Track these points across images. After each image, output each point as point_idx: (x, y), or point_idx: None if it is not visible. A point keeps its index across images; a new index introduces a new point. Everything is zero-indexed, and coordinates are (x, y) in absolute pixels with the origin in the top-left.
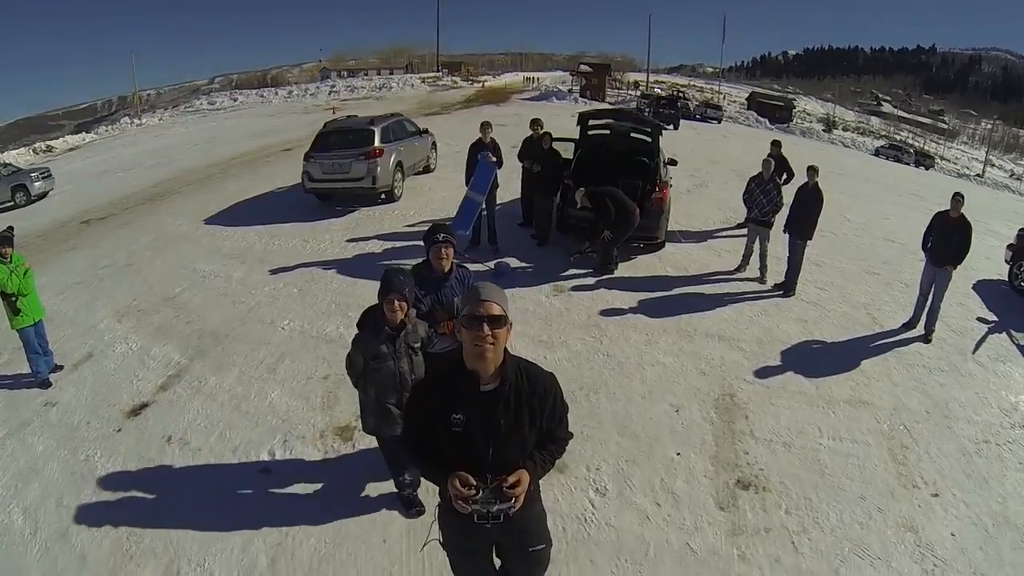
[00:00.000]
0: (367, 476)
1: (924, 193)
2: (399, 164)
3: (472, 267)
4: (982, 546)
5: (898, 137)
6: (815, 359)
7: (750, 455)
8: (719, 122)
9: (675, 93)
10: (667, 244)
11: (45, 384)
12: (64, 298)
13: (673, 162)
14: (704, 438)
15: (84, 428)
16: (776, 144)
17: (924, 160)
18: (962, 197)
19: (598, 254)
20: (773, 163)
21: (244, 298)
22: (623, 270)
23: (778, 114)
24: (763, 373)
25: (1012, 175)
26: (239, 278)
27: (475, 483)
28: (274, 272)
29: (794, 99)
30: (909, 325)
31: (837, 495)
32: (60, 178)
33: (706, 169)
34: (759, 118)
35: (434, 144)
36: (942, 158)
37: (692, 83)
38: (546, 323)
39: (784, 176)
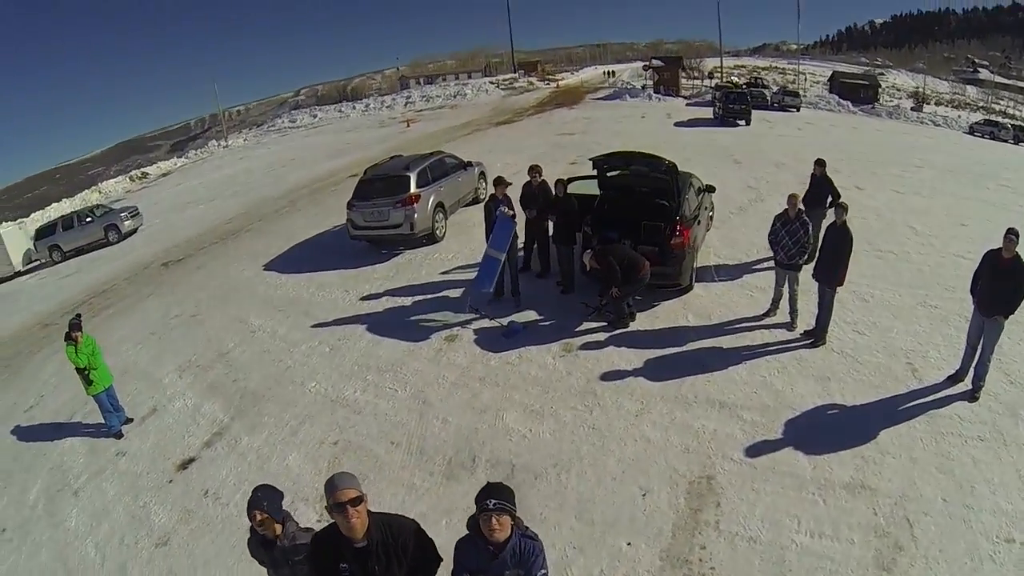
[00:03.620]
0: None
1: (1019, 185)
2: (439, 205)
3: (488, 324)
4: None
5: (997, 107)
6: (824, 430)
7: (706, 550)
8: (797, 110)
9: (753, 80)
10: (695, 286)
11: (118, 435)
12: (140, 349)
13: (711, 188)
14: (662, 527)
15: (144, 478)
16: (820, 164)
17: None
18: (1016, 235)
19: (611, 311)
20: (800, 199)
21: (283, 356)
22: (641, 320)
23: (863, 94)
24: (756, 450)
25: None
26: (282, 334)
27: None
28: (313, 327)
29: (882, 73)
30: (955, 378)
31: None
32: (149, 210)
33: (768, 177)
34: (841, 101)
35: (482, 174)
36: None
37: (773, 64)
38: (544, 390)
39: (829, 200)
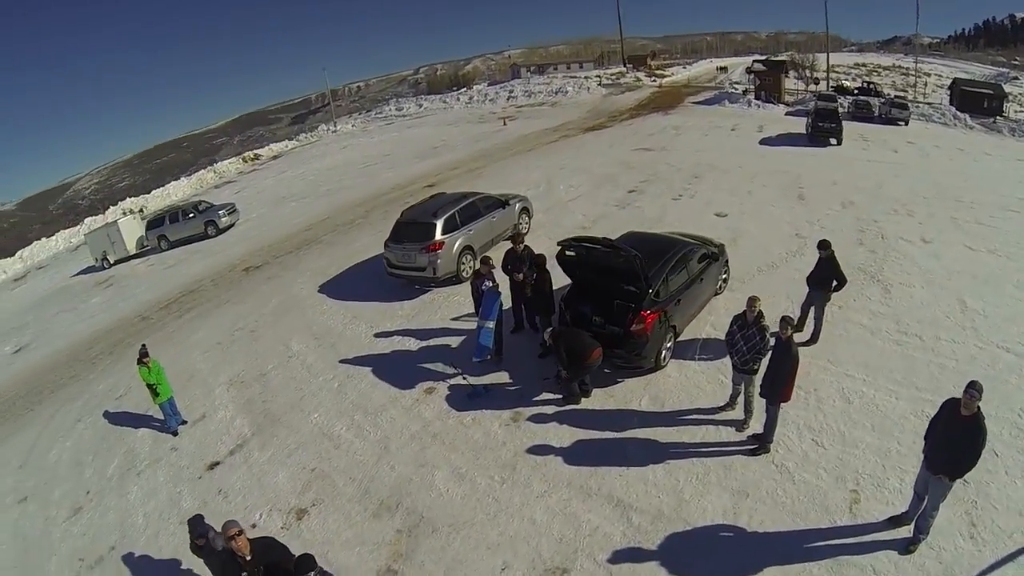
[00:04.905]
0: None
1: None
2: (466, 248)
3: (460, 382)
4: None
5: None
6: (704, 553)
7: None
8: (905, 123)
9: (865, 85)
10: (671, 363)
11: (174, 433)
12: (206, 358)
13: (713, 256)
14: None
15: (184, 471)
16: (824, 246)
17: None
18: (979, 391)
19: (563, 387)
20: (759, 302)
21: (303, 385)
22: (597, 397)
23: (986, 105)
24: (623, 556)
25: None
26: (310, 364)
27: None
28: (336, 360)
29: (1016, 77)
30: (898, 521)
31: None
32: (251, 200)
33: (827, 220)
34: (958, 115)
35: (524, 209)
36: None
37: (897, 63)
38: (476, 455)
39: (835, 283)
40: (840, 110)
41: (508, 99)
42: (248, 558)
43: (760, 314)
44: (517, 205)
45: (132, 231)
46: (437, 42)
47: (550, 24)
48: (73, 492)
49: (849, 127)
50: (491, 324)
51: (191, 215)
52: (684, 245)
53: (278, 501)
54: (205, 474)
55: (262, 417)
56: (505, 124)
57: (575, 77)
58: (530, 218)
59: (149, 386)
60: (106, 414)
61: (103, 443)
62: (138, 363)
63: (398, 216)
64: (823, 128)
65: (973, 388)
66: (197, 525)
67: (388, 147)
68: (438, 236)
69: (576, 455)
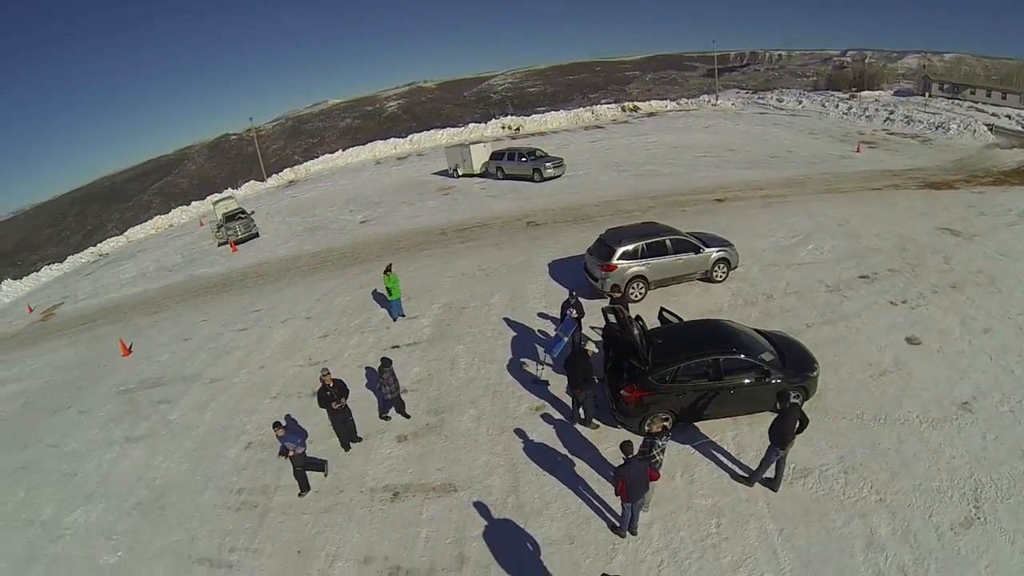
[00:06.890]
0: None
1: None
2: (638, 277)
3: (538, 370)
4: None
5: None
6: (510, 545)
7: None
8: None
9: None
10: (685, 442)
11: (395, 320)
12: (449, 283)
13: (766, 374)
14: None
15: (381, 342)
16: (784, 396)
17: None
18: None
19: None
20: (660, 422)
21: (475, 327)
22: (601, 430)
23: None
24: (482, 508)
25: None
26: (490, 317)
27: None
28: (503, 318)
29: None
30: None
31: None
32: (592, 156)
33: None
34: None
35: (724, 259)
36: None
37: None
38: (496, 414)
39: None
40: None
41: (885, 120)
42: (331, 386)
43: (665, 428)
44: (714, 254)
45: (479, 156)
46: (876, 24)
47: (1007, 29)
48: (338, 325)
49: None
50: (565, 338)
51: (524, 159)
52: (735, 353)
53: (402, 382)
54: (389, 350)
55: (439, 333)
56: (858, 151)
57: (980, 111)
58: (730, 268)
59: (387, 288)
60: (374, 292)
61: (362, 307)
62: (384, 273)
63: (601, 232)
64: None
65: None
66: (386, 361)
67: (738, 140)
68: (614, 260)
69: (532, 449)
